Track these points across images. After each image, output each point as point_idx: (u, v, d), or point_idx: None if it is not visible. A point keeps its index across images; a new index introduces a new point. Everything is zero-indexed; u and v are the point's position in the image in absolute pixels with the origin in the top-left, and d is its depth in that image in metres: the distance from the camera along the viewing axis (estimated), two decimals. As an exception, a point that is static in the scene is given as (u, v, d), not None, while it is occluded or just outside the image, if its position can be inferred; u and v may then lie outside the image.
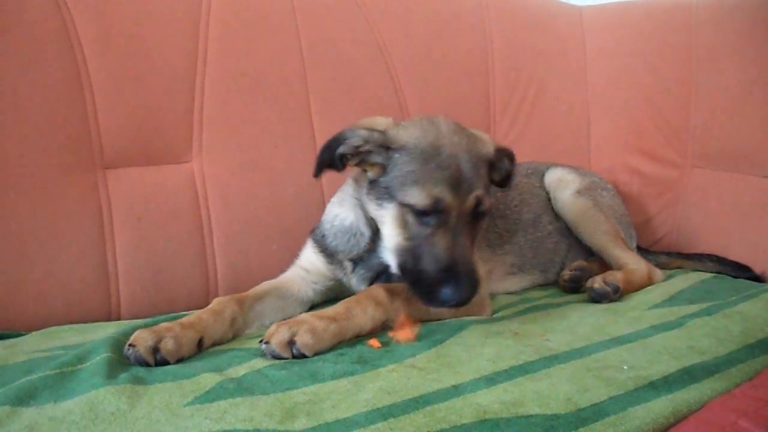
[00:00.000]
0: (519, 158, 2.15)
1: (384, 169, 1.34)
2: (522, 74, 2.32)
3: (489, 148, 1.43)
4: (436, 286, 1.26)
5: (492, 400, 1.01)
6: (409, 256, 1.32)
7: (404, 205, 1.31)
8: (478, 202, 1.33)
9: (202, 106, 1.76)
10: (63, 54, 1.60)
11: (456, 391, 1.04)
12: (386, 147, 1.34)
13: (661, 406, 1.05)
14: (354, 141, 1.34)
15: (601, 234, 1.84)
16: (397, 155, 1.33)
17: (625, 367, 1.15)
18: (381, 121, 1.40)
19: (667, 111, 2.21)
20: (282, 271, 1.59)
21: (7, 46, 1.54)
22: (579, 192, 1.89)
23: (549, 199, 1.93)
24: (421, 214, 1.30)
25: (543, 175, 1.98)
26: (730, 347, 1.28)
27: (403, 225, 1.33)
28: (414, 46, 2.12)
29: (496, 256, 1.77)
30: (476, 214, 1.35)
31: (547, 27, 2.42)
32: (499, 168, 1.49)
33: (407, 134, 1.35)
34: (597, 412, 1.01)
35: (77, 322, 1.50)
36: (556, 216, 1.92)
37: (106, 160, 1.65)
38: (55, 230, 1.55)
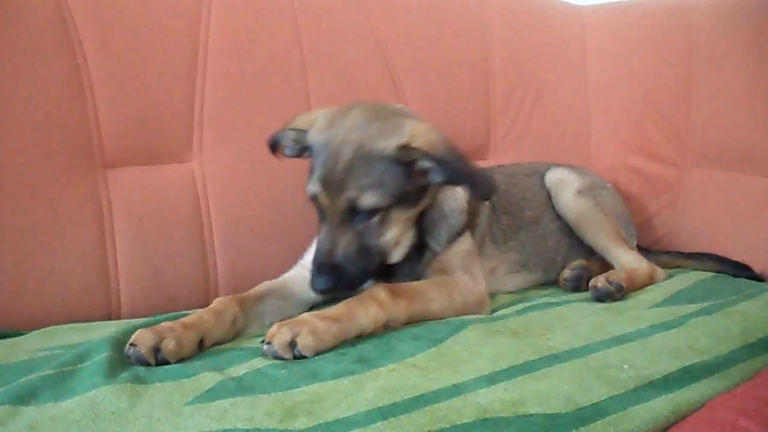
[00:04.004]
0: (519, 158, 2.19)
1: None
2: (522, 73, 2.32)
3: (387, 144, 1.32)
4: (312, 272, 1.34)
5: (492, 400, 1.01)
6: None
7: None
8: (351, 203, 1.31)
9: (202, 105, 1.76)
10: (63, 53, 1.60)
11: (456, 390, 1.04)
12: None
13: (661, 405, 1.05)
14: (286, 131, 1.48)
15: (602, 233, 1.84)
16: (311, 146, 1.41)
17: (626, 367, 1.15)
18: (319, 114, 1.45)
19: (668, 110, 2.21)
20: (284, 270, 1.59)
21: (7, 46, 1.54)
22: (580, 192, 1.89)
23: (550, 199, 1.94)
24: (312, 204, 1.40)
25: (543, 175, 1.98)
26: (731, 346, 1.28)
27: None
28: (414, 46, 2.12)
29: (501, 253, 1.78)
30: (359, 212, 1.33)
31: (548, 26, 2.42)
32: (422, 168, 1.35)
33: (316, 127, 1.41)
34: (597, 411, 1.01)
35: (77, 322, 1.49)
36: (557, 215, 1.92)
37: (106, 160, 1.65)
38: (56, 230, 1.55)
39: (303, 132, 1.44)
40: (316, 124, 1.42)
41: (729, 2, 2.12)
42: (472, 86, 2.23)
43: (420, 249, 1.52)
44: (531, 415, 0.98)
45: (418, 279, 1.50)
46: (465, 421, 0.96)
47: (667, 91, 2.22)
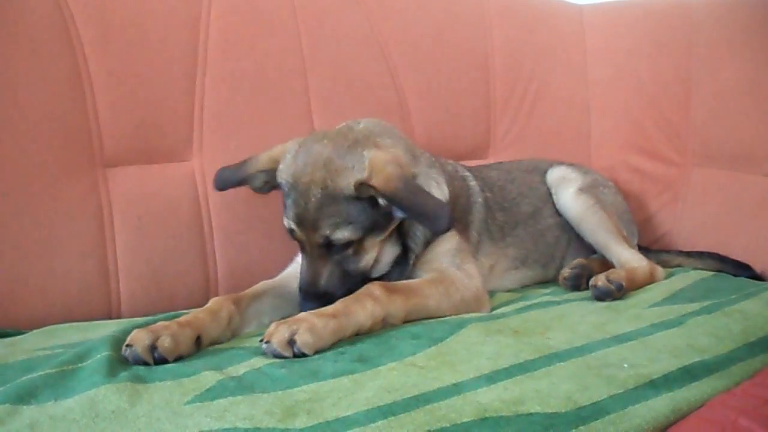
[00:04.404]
0: (520, 157, 2.18)
1: None
2: (522, 72, 2.32)
3: (347, 182, 1.35)
4: (300, 298, 1.42)
5: (492, 399, 1.01)
6: None
7: None
8: (326, 240, 1.37)
9: (202, 105, 1.76)
10: (63, 53, 1.60)
11: (456, 389, 1.04)
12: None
13: (661, 404, 1.05)
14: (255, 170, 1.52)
15: (603, 232, 1.84)
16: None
17: (626, 366, 1.15)
18: (285, 149, 1.48)
19: (668, 109, 2.21)
20: (282, 269, 1.59)
21: (8, 46, 1.54)
22: (581, 190, 1.89)
23: (549, 195, 1.94)
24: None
25: (545, 172, 1.98)
26: (731, 345, 1.28)
27: None
28: (414, 45, 2.12)
29: (499, 249, 1.78)
30: (334, 245, 1.38)
31: (548, 25, 2.42)
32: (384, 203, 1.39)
33: (285, 165, 1.44)
34: (597, 410, 1.01)
35: (78, 321, 1.49)
36: (556, 211, 1.93)
37: (106, 159, 1.65)
38: (56, 229, 1.55)
39: (272, 171, 1.48)
40: (284, 161, 1.45)
41: (729, 2, 2.12)
42: (472, 86, 2.23)
43: (405, 252, 1.53)
44: (531, 414, 0.98)
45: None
46: (465, 420, 0.96)
47: (667, 91, 2.22)
